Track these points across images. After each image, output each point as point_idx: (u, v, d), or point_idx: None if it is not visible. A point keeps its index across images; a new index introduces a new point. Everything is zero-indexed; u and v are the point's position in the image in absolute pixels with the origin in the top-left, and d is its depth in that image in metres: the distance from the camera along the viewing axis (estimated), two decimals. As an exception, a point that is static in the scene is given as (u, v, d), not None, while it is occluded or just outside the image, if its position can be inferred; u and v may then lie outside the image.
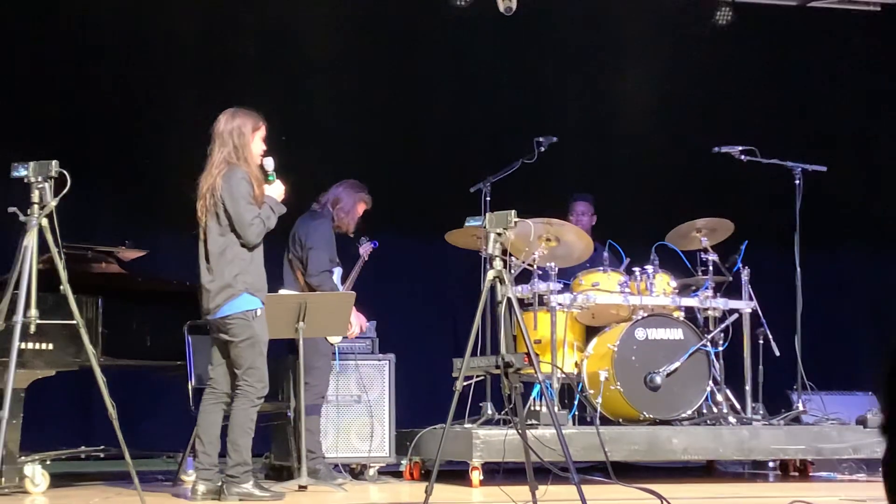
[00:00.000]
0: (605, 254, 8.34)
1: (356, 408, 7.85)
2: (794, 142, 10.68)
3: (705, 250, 8.16)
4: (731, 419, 7.83)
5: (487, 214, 5.70)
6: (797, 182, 8.33)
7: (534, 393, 7.66)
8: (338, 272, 7.58)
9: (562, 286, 7.98)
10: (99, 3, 10.34)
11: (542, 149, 8.35)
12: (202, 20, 10.60)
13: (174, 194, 10.45)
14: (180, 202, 10.40)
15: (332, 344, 7.54)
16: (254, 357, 6.20)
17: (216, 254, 6.26)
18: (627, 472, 7.35)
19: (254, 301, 6.23)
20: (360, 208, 7.69)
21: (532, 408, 7.51)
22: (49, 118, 10.15)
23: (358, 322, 7.62)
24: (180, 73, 10.66)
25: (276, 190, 6.44)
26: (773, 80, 11.67)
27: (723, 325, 8.02)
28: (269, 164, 6.45)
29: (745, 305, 8.10)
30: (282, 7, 10.62)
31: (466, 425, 7.48)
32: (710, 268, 8.11)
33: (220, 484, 6.23)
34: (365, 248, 7.99)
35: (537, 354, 5.99)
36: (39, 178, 5.48)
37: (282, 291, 7.30)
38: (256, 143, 6.41)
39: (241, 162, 6.31)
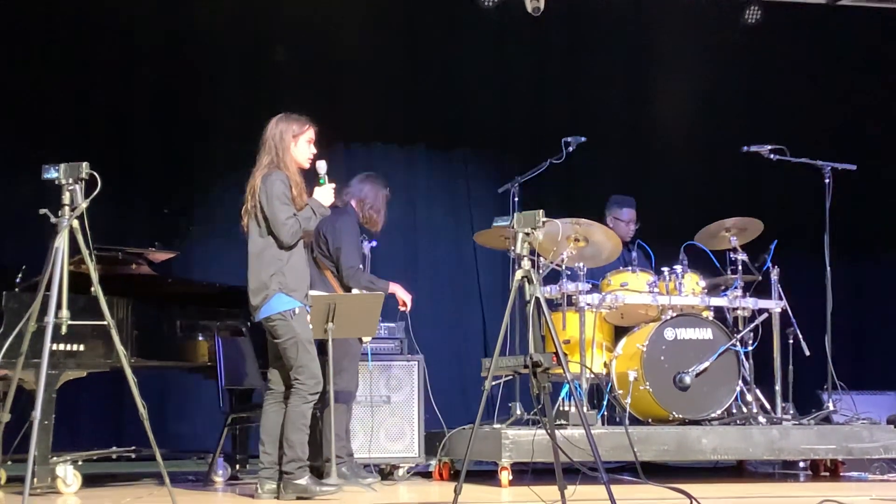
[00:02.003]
0: (634, 254, 8.33)
1: (385, 408, 7.86)
2: (824, 141, 10.65)
3: (734, 250, 8.14)
4: (761, 419, 7.80)
5: (515, 214, 5.70)
6: (827, 181, 8.30)
7: (563, 393, 7.66)
8: None
9: (590, 286, 7.97)
10: (140, 7, 10.44)
11: (571, 149, 8.33)
12: (238, 27, 10.69)
13: (206, 196, 10.64)
14: (212, 204, 10.58)
15: (363, 343, 7.54)
16: (300, 355, 6.26)
17: (254, 255, 6.34)
18: (657, 472, 7.34)
19: (289, 301, 6.28)
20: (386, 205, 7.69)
21: (561, 408, 7.51)
22: (83, 121, 10.25)
23: (407, 296, 7.66)
24: (217, 77, 10.74)
25: (325, 193, 6.48)
26: (802, 79, 11.63)
27: (752, 325, 7.99)
28: (322, 167, 6.50)
29: (775, 305, 8.07)
30: (315, 10, 10.68)
31: (495, 425, 7.47)
32: (740, 267, 8.09)
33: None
34: (366, 247, 7.95)
35: (566, 354, 5.99)
36: (70, 180, 5.51)
37: (311, 292, 7.30)
38: (300, 148, 6.46)
39: (282, 166, 6.36)
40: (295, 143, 6.43)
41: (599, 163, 10.72)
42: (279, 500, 6.27)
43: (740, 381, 7.87)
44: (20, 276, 7.17)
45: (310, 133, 6.50)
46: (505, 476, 7.09)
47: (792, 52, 11.58)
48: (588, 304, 7.86)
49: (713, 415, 7.77)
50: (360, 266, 7.45)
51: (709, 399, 7.80)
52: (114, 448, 8.20)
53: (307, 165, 6.49)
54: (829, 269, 8.20)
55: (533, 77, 11.53)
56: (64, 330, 5.47)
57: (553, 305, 7.94)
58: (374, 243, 7.97)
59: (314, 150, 6.52)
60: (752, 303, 8.06)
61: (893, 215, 11.41)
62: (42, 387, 5.45)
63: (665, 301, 7.96)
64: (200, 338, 7.85)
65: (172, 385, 10.09)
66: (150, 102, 10.59)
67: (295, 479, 6.22)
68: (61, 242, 5.44)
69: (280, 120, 6.48)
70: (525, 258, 5.58)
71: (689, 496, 5.51)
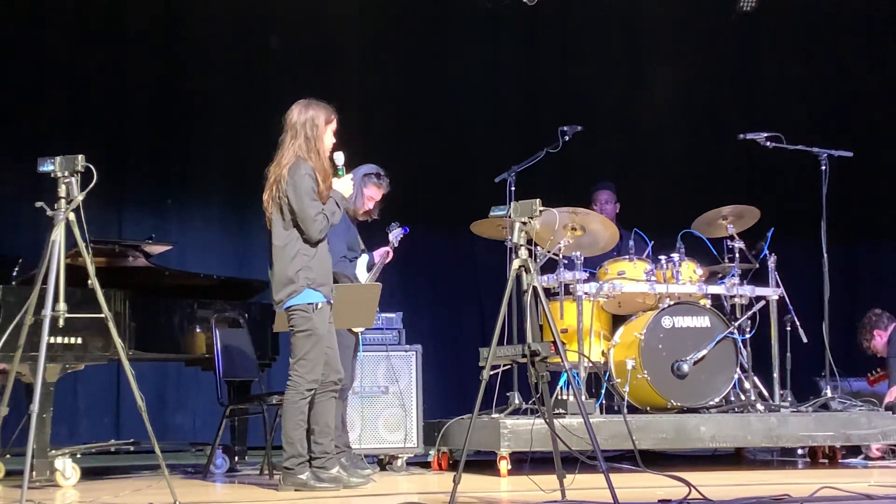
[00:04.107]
0: (631, 242, 8.33)
1: (384, 399, 7.86)
2: (820, 127, 10.65)
3: (731, 237, 8.14)
4: (759, 406, 7.81)
5: (512, 204, 5.69)
6: (823, 168, 8.30)
7: (561, 382, 7.67)
8: (363, 260, 7.53)
9: (588, 275, 7.97)
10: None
11: (567, 138, 8.34)
12: (237, 16, 10.69)
13: (203, 187, 10.64)
14: (209, 194, 10.59)
15: (354, 334, 7.47)
16: (307, 349, 6.21)
17: (279, 248, 6.28)
18: (655, 460, 7.34)
19: (315, 295, 6.25)
20: (370, 191, 7.45)
21: (559, 397, 7.51)
22: (81, 114, 10.25)
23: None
24: (213, 69, 10.75)
25: (344, 184, 6.43)
26: (799, 66, 11.62)
27: (750, 313, 8.00)
28: (340, 158, 6.42)
29: (772, 292, 8.07)
30: (312, 1, 10.68)
31: (494, 415, 7.48)
32: (737, 255, 8.09)
33: (335, 469, 6.34)
34: (395, 235, 7.84)
35: (564, 343, 5.99)
36: (66, 173, 5.50)
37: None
38: (328, 136, 6.39)
39: (312, 154, 6.28)
40: (325, 131, 6.37)
41: (595, 152, 10.71)
42: (277, 491, 6.27)
43: (738, 369, 7.87)
44: (17, 269, 7.16)
45: (335, 123, 6.43)
46: (504, 465, 7.10)
47: (788, 38, 11.57)
48: (585, 293, 7.86)
49: (711, 402, 7.78)
50: (348, 258, 7.35)
51: (707, 387, 7.80)
52: (112, 441, 8.21)
53: (329, 155, 6.43)
54: (826, 255, 8.20)
55: (528, 66, 11.53)
56: (61, 323, 5.47)
57: (550, 294, 7.94)
58: (405, 231, 7.86)
59: (334, 140, 6.46)
60: (749, 290, 8.06)
61: (890, 201, 11.41)
62: (40, 380, 5.45)
63: (662, 289, 7.96)
64: (198, 330, 7.84)
65: (170, 377, 10.09)
66: (144, 89, 10.58)
67: (296, 474, 6.21)
68: (58, 235, 5.43)
69: (308, 106, 6.36)
70: (522, 247, 5.58)
71: (688, 484, 5.51)
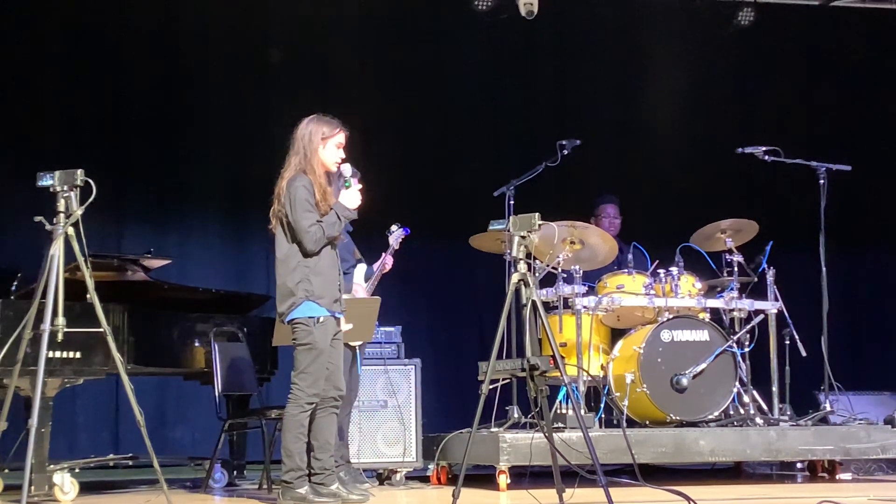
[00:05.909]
0: (630, 256, 8.33)
1: (382, 413, 7.84)
2: (819, 141, 10.66)
3: (730, 251, 8.14)
4: (759, 420, 7.80)
5: (511, 217, 5.70)
6: (822, 182, 8.30)
7: (560, 396, 7.66)
8: (360, 269, 7.50)
9: (586, 289, 7.97)
10: (133, 9, 10.48)
11: (566, 152, 8.34)
12: (234, 28, 10.70)
13: (203, 201, 10.64)
14: (208, 208, 10.59)
15: (351, 347, 7.36)
16: (308, 362, 6.18)
17: (280, 260, 6.27)
18: (655, 474, 7.34)
19: (317, 309, 6.20)
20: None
21: (558, 411, 7.51)
22: (81, 127, 10.25)
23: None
24: (214, 83, 10.76)
25: (351, 196, 6.39)
26: (797, 80, 11.65)
27: (748, 326, 8.00)
28: (347, 170, 6.39)
29: (771, 306, 8.08)
30: (310, 12, 10.69)
31: (493, 429, 7.47)
32: (736, 269, 8.09)
33: (334, 485, 6.30)
34: (395, 237, 7.69)
35: (563, 357, 5.99)
36: (65, 187, 5.51)
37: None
38: (328, 151, 6.35)
39: (308, 168, 6.28)
40: (323, 145, 6.32)
41: (593, 165, 10.72)
42: None
43: (737, 383, 7.87)
44: (15, 283, 7.16)
45: (340, 137, 6.39)
46: (503, 479, 7.09)
47: (786, 53, 11.60)
48: (584, 307, 7.86)
49: (710, 416, 7.77)
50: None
51: (706, 401, 7.80)
52: (111, 455, 8.18)
53: (334, 169, 6.39)
54: (824, 269, 8.21)
55: (527, 79, 11.53)
56: (60, 337, 5.47)
57: (549, 308, 7.94)
58: (406, 231, 7.75)
59: (342, 155, 6.41)
60: (748, 304, 8.06)
61: (888, 215, 11.42)
62: (38, 394, 5.45)
63: (661, 303, 7.96)
64: (197, 344, 7.84)
65: (169, 391, 10.08)
66: (143, 103, 10.59)
67: (295, 488, 6.19)
68: (57, 249, 5.44)
69: (311, 121, 6.37)
70: (521, 261, 5.59)
71: (688, 498, 5.51)
